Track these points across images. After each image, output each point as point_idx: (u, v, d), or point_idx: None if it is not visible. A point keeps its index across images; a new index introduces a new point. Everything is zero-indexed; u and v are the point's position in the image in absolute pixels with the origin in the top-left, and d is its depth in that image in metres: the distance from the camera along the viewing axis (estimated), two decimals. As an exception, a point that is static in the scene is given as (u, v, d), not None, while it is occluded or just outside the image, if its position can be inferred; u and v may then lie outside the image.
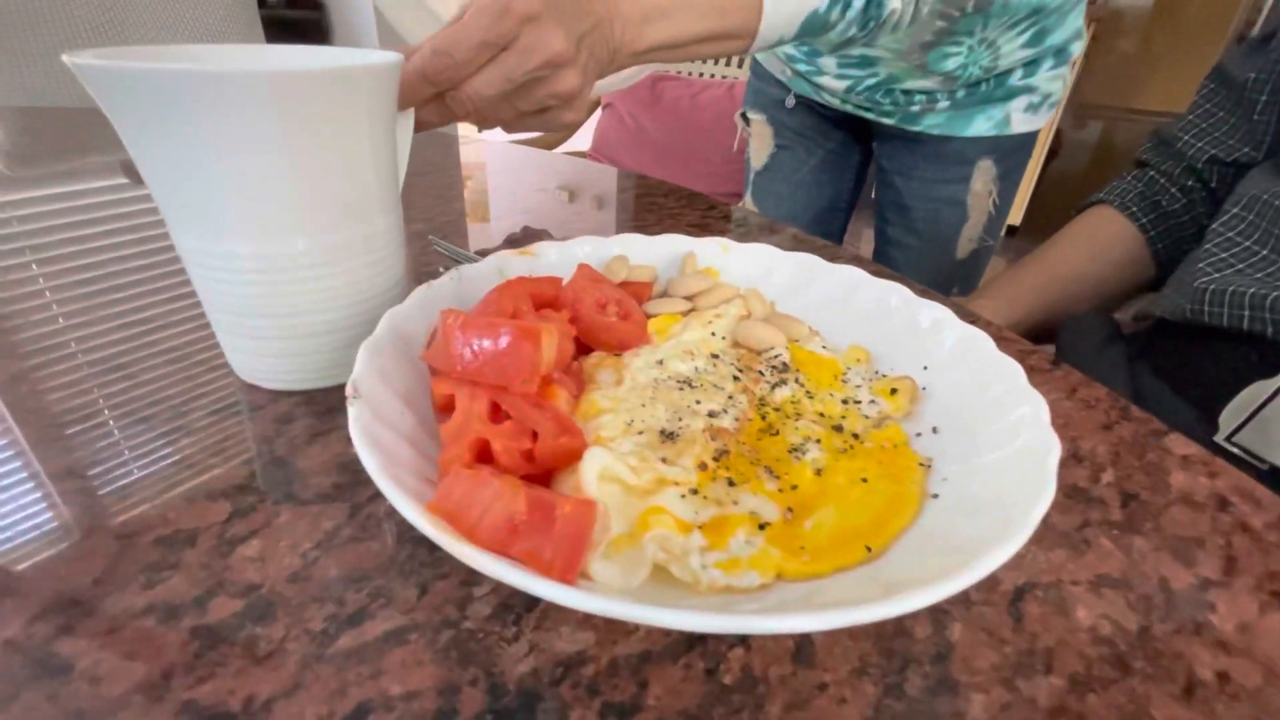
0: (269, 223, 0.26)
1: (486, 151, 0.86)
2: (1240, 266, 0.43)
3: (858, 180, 0.89)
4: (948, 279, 0.79)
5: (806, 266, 0.36)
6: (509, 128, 0.40)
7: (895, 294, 0.33)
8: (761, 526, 0.21)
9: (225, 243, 0.26)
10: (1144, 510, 0.26)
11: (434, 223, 0.55)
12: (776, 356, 0.30)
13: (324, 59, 0.32)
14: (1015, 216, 2.55)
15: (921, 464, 0.24)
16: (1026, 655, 0.20)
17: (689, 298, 0.34)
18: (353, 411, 0.20)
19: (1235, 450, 0.38)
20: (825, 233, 0.89)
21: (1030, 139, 0.72)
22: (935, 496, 0.22)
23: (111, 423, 0.28)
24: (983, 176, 0.72)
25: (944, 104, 0.69)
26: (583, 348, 0.30)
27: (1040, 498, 0.19)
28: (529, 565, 0.17)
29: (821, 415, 0.27)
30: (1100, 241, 0.57)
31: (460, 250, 0.47)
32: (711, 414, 0.25)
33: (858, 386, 0.29)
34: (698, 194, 0.67)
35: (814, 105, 0.81)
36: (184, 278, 0.41)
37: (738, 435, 0.25)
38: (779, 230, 0.58)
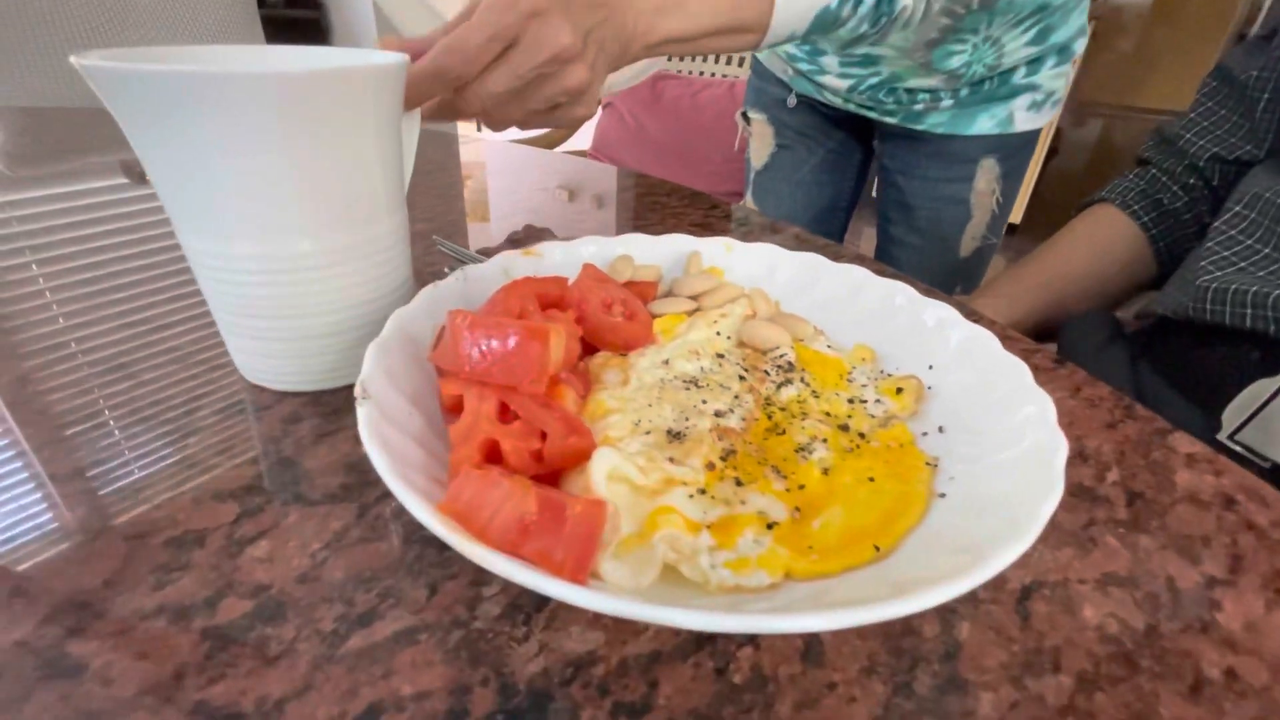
0: (275, 224, 0.26)
1: (486, 151, 0.86)
2: (1242, 264, 0.43)
3: (858, 179, 0.89)
4: (950, 278, 0.79)
5: (811, 266, 0.36)
6: (521, 126, 0.39)
7: (900, 293, 0.33)
8: (770, 526, 0.21)
9: (231, 244, 0.26)
10: (1149, 509, 0.26)
11: (437, 222, 0.55)
12: (782, 356, 0.30)
13: (328, 59, 0.32)
14: (1015, 215, 2.55)
15: (928, 463, 0.24)
16: (1034, 654, 0.20)
17: (694, 297, 0.34)
18: (362, 412, 0.20)
19: (1238, 448, 0.38)
20: (825, 232, 0.89)
21: (1033, 137, 0.72)
22: (942, 496, 0.22)
23: (118, 424, 0.28)
24: (986, 175, 0.72)
25: (947, 102, 0.69)
26: (588, 348, 0.30)
27: (1048, 497, 0.19)
28: (540, 565, 0.17)
29: (827, 415, 0.27)
30: (1102, 240, 0.58)
31: (464, 250, 0.47)
32: (718, 414, 0.25)
33: (863, 386, 0.29)
34: (699, 193, 0.67)
35: (816, 104, 0.81)
36: (185, 278, 0.41)
37: (744, 435, 0.25)
38: (781, 230, 0.58)
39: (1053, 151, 2.57)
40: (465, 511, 0.18)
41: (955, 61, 0.64)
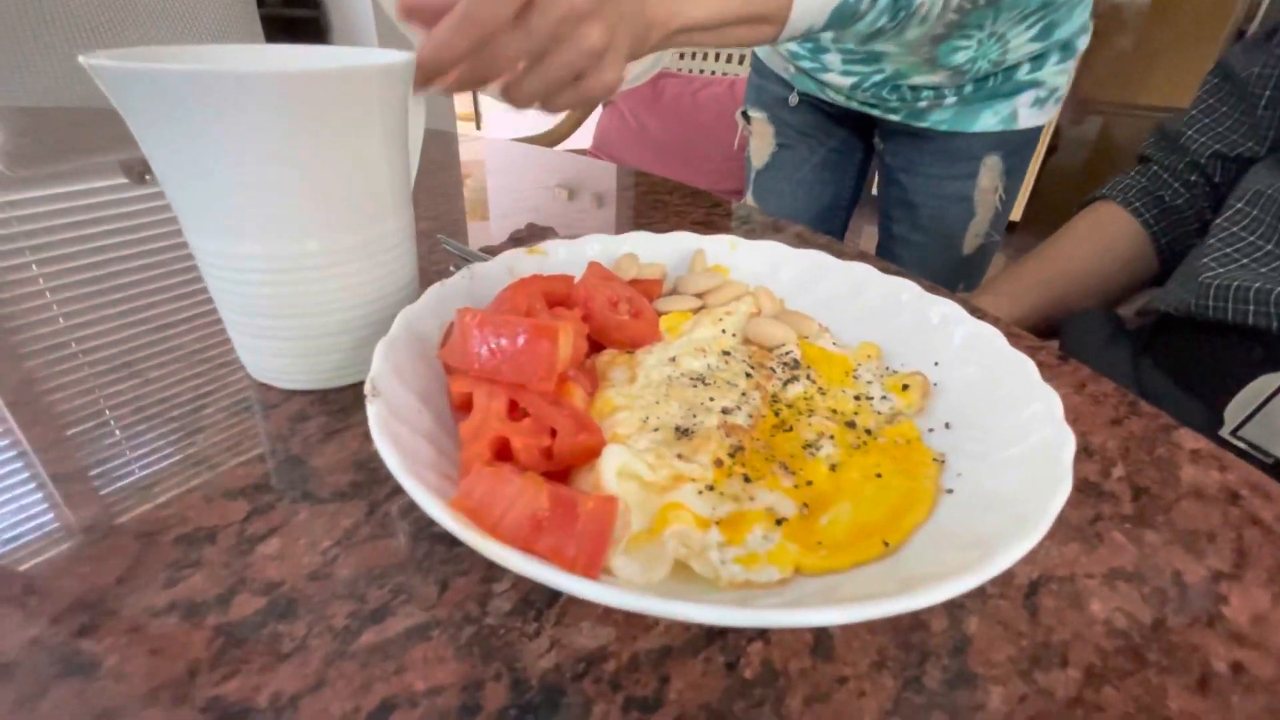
0: (281, 223, 0.26)
1: (486, 149, 0.86)
2: (1244, 261, 0.43)
3: (859, 178, 0.89)
4: (953, 275, 0.79)
5: (815, 263, 0.36)
6: (546, 105, 0.38)
7: (905, 290, 0.33)
8: (778, 522, 0.21)
9: (237, 244, 0.26)
10: (1155, 504, 0.26)
11: (440, 221, 0.55)
12: (788, 353, 0.30)
13: (333, 59, 0.32)
14: (1015, 212, 2.54)
15: (935, 459, 0.24)
16: (1042, 648, 0.20)
17: (699, 295, 0.34)
18: (372, 410, 0.20)
19: (1241, 444, 0.38)
20: (827, 231, 0.88)
21: (1036, 134, 0.72)
22: (950, 492, 0.23)
23: (125, 424, 0.28)
24: (990, 172, 0.72)
25: (951, 99, 0.69)
26: (595, 345, 0.30)
27: (1056, 492, 0.19)
28: (552, 561, 0.17)
29: (834, 411, 0.27)
30: (1104, 237, 0.58)
31: (468, 249, 0.47)
32: (725, 410, 0.26)
33: (869, 383, 0.29)
34: (701, 191, 0.67)
35: (817, 103, 0.80)
36: (190, 276, 0.41)
37: (752, 432, 0.25)
38: (783, 228, 0.58)
39: (1052, 149, 2.58)
40: (478, 508, 0.18)
41: (960, 57, 0.64)
